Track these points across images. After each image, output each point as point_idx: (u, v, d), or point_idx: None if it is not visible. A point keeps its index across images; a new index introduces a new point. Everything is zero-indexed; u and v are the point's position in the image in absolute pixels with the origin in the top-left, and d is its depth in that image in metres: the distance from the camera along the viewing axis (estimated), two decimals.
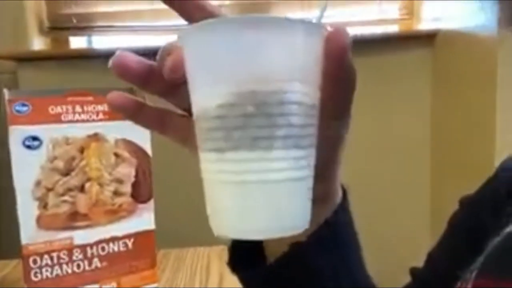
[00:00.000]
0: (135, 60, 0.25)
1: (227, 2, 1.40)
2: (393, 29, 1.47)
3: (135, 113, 0.27)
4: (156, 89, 0.26)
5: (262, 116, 0.20)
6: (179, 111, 0.28)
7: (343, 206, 0.30)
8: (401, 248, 1.40)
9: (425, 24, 1.39)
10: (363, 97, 1.59)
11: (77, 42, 1.49)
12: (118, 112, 0.27)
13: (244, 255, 0.32)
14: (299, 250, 0.29)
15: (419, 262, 0.45)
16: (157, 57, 0.25)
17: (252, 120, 0.20)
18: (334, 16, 1.43)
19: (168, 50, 0.24)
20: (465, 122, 1.19)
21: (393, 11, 1.45)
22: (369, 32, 1.43)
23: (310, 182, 0.23)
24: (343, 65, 0.22)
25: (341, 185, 0.31)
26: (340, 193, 0.31)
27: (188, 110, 0.25)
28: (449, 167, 1.31)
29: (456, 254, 0.39)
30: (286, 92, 0.20)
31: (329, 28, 0.21)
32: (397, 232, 1.43)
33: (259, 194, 0.20)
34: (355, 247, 0.32)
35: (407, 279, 0.45)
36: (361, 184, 1.42)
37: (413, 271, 0.45)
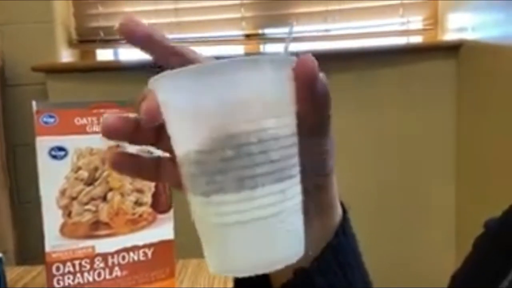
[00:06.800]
0: (119, 119, 0.25)
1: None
2: (417, 40, 1.46)
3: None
4: (145, 140, 0.26)
5: (243, 157, 0.20)
6: (168, 155, 0.28)
7: (344, 227, 0.31)
8: (425, 271, 1.36)
9: (449, 35, 1.38)
10: (387, 109, 1.56)
11: (103, 55, 1.54)
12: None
13: (249, 283, 0.32)
14: (304, 277, 0.29)
15: (443, 284, 0.44)
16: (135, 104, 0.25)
17: (233, 163, 0.20)
18: (358, 27, 1.43)
19: (142, 95, 0.24)
20: (492, 135, 1.16)
21: (417, 22, 1.44)
22: (393, 43, 1.42)
23: (299, 208, 0.23)
24: (314, 90, 0.23)
25: (341, 203, 0.32)
26: (339, 210, 0.31)
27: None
28: (475, 185, 1.28)
29: (481, 277, 0.39)
30: (262, 130, 0.20)
31: (295, 58, 0.22)
32: (421, 254, 1.40)
33: (247, 233, 0.21)
34: (359, 266, 0.32)
35: None
36: (383, 201, 1.40)
37: None
